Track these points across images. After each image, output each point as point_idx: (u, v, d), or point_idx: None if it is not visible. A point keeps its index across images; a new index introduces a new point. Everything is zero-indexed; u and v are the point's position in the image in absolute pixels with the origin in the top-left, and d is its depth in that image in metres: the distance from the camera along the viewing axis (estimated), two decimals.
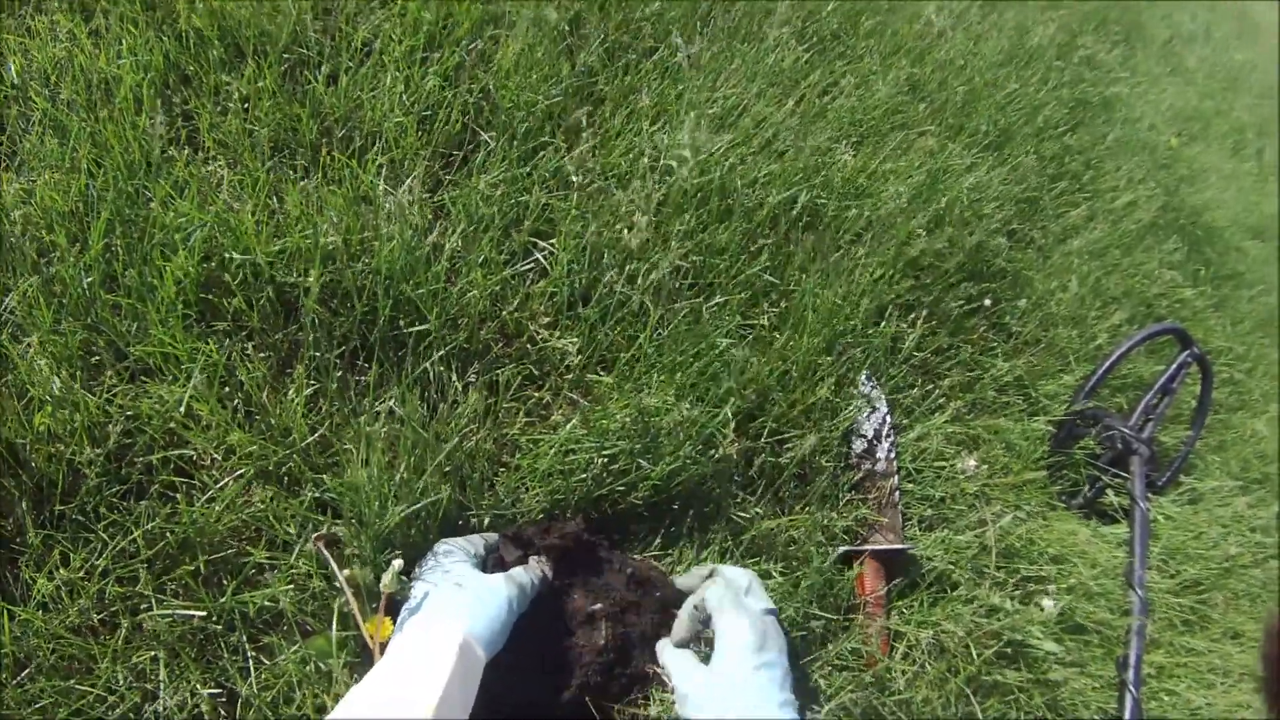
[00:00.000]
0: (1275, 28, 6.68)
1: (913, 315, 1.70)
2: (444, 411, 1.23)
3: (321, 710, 1.02)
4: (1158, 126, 3.18)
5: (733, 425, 1.34)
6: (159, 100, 1.33)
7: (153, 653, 1.00)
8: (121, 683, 0.98)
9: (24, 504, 1.02)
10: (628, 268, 1.44)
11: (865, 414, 1.55)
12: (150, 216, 1.20)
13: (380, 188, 1.35)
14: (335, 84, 1.45)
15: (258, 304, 1.22)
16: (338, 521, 1.13)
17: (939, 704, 1.34)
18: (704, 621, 1.14)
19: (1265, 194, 3.70)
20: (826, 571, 1.35)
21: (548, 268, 1.42)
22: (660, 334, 1.42)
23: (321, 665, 1.04)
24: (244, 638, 1.05)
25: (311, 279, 1.22)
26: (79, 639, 0.99)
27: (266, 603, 1.06)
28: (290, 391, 1.18)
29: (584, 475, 1.25)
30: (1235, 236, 3.12)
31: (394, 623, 1.03)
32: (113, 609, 1.01)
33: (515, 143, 1.50)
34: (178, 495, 1.08)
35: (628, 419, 1.28)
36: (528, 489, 1.24)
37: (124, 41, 1.34)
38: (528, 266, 1.43)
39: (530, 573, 1.13)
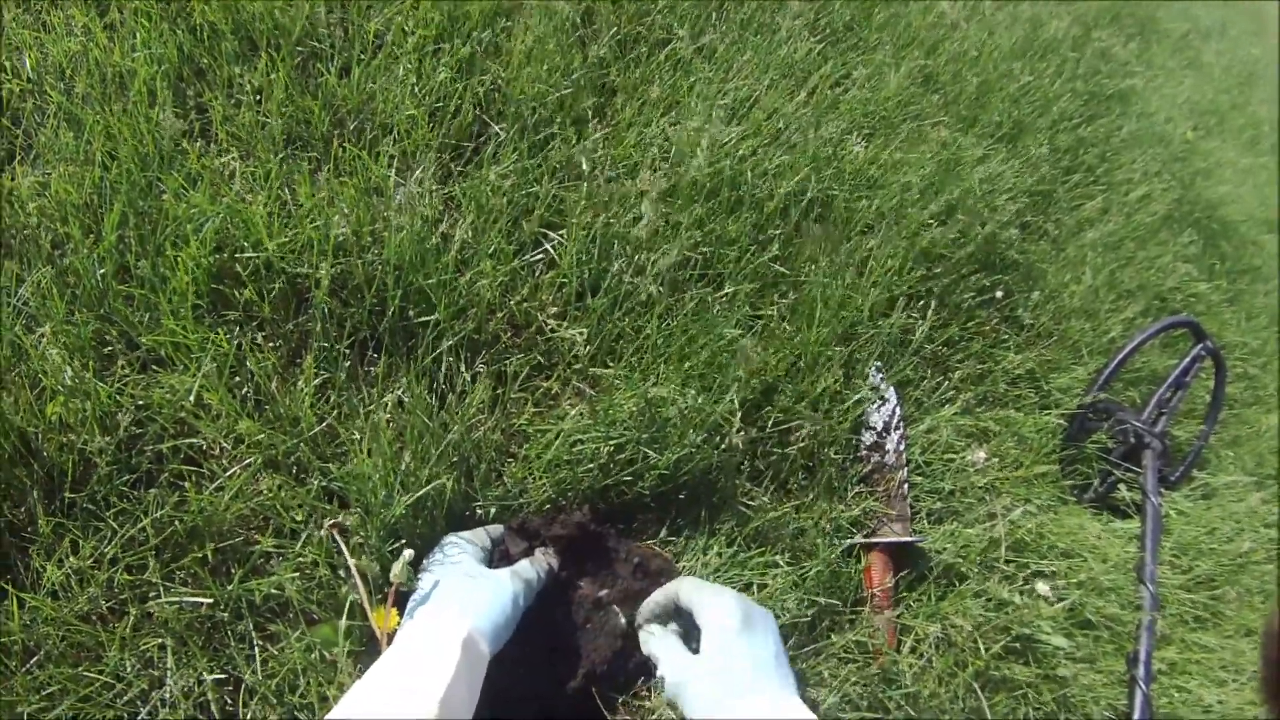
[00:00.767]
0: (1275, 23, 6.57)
1: (923, 306, 1.67)
2: (452, 401, 1.21)
3: (325, 700, 1.01)
4: (1174, 120, 3.12)
5: (739, 414, 1.32)
6: (172, 93, 1.32)
7: (160, 640, 0.99)
8: (129, 670, 0.97)
9: (35, 493, 1.01)
10: (636, 258, 1.41)
11: (875, 405, 1.52)
12: (163, 208, 1.19)
13: (391, 179, 1.33)
14: (348, 76, 1.43)
15: (269, 295, 1.20)
16: (345, 510, 1.11)
17: (946, 698, 1.32)
18: (677, 608, 1.12)
19: None
20: (834, 563, 1.33)
21: (556, 258, 1.40)
22: (668, 324, 1.39)
23: (326, 654, 1.03)
24: (250, 626, 1.04)
25: (323, 270, 1.20)
26: (88, 626, 0.97)
27: (273, 591, 1.05)
28: (299, 381, 1.17)
29: (591, 465, 1.22)
30: (1251, 231, 3.05)
31: (400, 614, 1.01)
32: (121, 597, 1.00)
33: (526, 134, 1.48)
34: (186, 484, 1.06)
35: (635, 408, 1.26)
36: (534, 479, 1.22)
37: (138, 35, 1.32)
38: (537, 257, 1.41)
39: (536, 566, 1.11)
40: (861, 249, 1.65)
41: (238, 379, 1.15)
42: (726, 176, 1.55)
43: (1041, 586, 1.47)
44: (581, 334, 1.33)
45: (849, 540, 1.39)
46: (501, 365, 1.30)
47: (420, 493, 1.10)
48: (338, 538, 1.06)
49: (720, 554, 1.28)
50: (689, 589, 1.10)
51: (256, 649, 1.03)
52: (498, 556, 1.15)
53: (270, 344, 1.20)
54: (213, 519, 1.05)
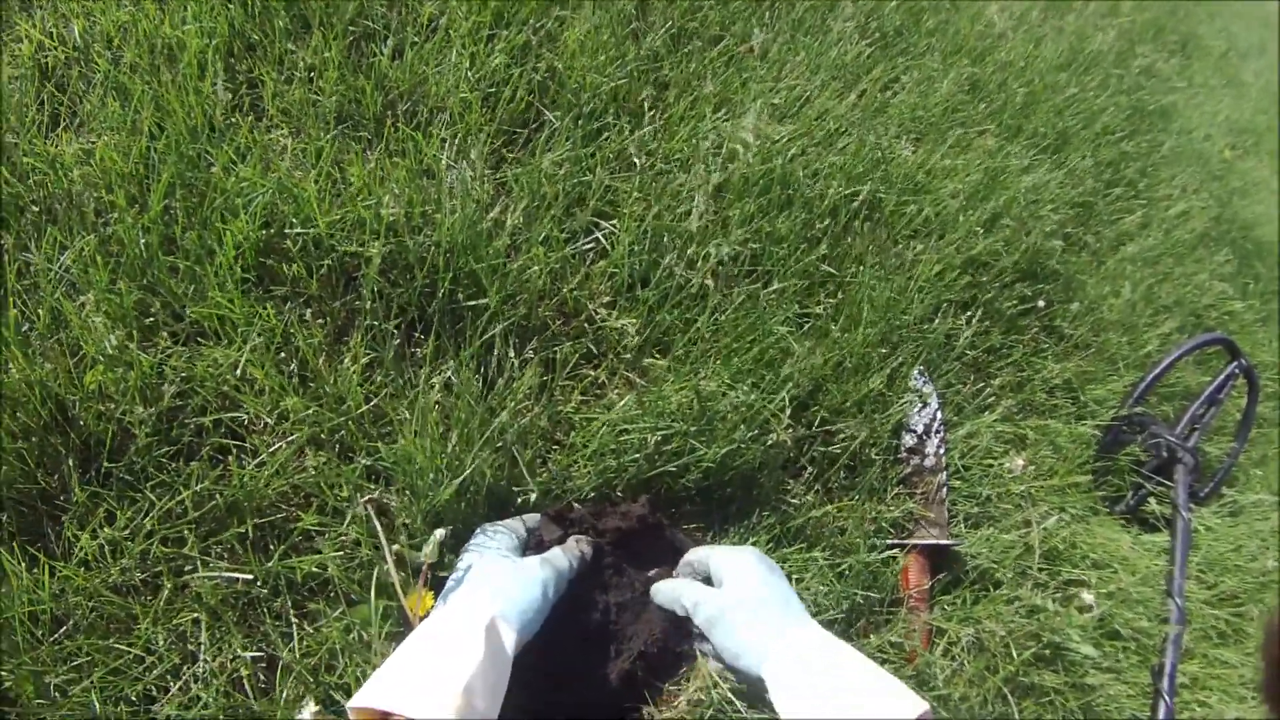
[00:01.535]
0: None
1: (968, 313, 1.61)
2: (500, 386, 1.16)
3: (360, 682, 0.95)
4: (1212, 137, 3.03)
5: (788, 412, 1.26)
6: (222, 67, 1.26)
7: (194, 615, 0.94)
8: (161, 643, 0.92)
9: (70, 461, 0.96)
10: (688, 251, 1.35)
11: (916, 409, 1.46)
12: (211, 181, 1.13)
13: (444, 162, 1.27)
14: (400, 58, 1.37)
15: (317, 272, 1.15)
16: (388, 491, 1.06)
17: (976, 702, 1.29)
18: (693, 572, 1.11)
19: None
20: (873, 563, 1.28)
21: (608, 248, 1.34)
22: (718, 318, 1.34)
23: (364, 635, 0.98)
24: (288, 603, 0.98)
25: (373, 250, 1.14)
26: (120, 598, 0.92)
27: (314, 569, 0.99)
28: (346, 360, 1.11)
29: (637, 455, 1.17)
30: None
31: (434, 597, 0.97)
32: (156, 570, 0.95)
33: (580, 122, 1.42)
34: (228, 458, 1.01)
35: (684, 400, 1.20)
36: (579, 467, 1.16)
37: (189, 7, 1.27)
38: (588, 246, 1.34)
39: (569, 554, 1.06)
40: (910, 250, 1.59)
41: (283, 355, 1.10)
42: (777, 174, 1.48)
43: (1086, 596, 1.42)
44: (632, 324, 1.27)
45: (889, 541, 1.35)
46: (550, 352, 1.24)
47: (463, 475, 1.04)
48: (372, 515, 1.00)
49: (760, 547, 1.22)
50: (704, 551, 1.10)
51: (294, 627, 0.97)
52: (533, 544, 1.10)
53: (317, 321, 1.14)
54: (254, 494, 1.00)
